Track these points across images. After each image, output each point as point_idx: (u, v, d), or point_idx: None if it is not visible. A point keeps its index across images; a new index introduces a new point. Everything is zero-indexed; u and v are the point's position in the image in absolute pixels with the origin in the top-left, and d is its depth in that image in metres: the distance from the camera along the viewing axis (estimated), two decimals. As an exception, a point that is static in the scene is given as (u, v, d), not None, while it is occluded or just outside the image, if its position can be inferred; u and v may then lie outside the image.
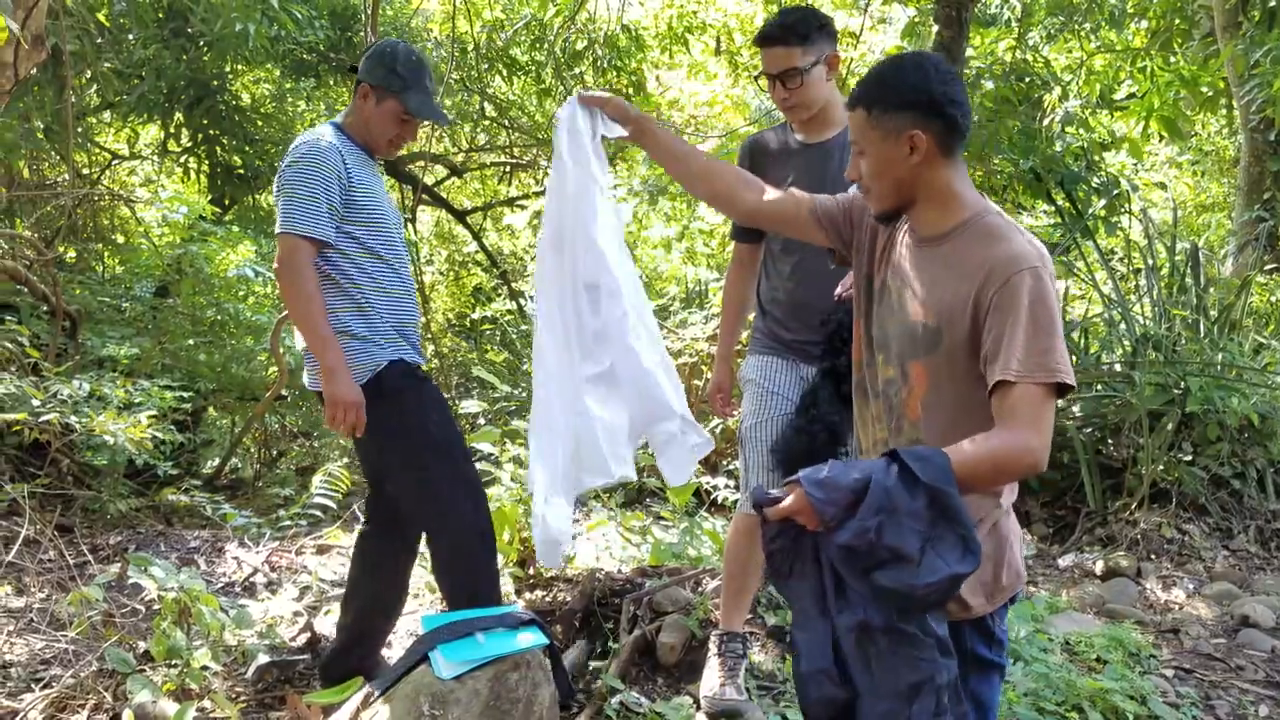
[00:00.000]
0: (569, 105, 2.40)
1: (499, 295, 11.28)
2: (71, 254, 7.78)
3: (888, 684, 1.69)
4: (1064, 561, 4.92)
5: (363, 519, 3.29)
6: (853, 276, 2.10)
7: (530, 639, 2.62)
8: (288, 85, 9.14)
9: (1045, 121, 6.91)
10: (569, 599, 3.68)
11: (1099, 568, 4.75)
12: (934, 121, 1.82)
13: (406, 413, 2.88)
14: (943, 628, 1.72)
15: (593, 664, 3.38)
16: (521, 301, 10.39)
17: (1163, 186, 11.48)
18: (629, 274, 2.49)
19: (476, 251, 12.10)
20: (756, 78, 3.14)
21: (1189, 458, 5.23)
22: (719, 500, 5.32)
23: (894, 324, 1.91)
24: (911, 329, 1.87)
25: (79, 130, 7.61)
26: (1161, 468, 5.13)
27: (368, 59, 2.94)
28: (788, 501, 1.66)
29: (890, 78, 1.85)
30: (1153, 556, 4.85)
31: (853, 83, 8.20)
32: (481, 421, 7.21)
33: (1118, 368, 5.91)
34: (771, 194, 2.17)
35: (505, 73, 9.98)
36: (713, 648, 3.20)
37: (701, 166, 2.23)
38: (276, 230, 2.81)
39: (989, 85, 6.86)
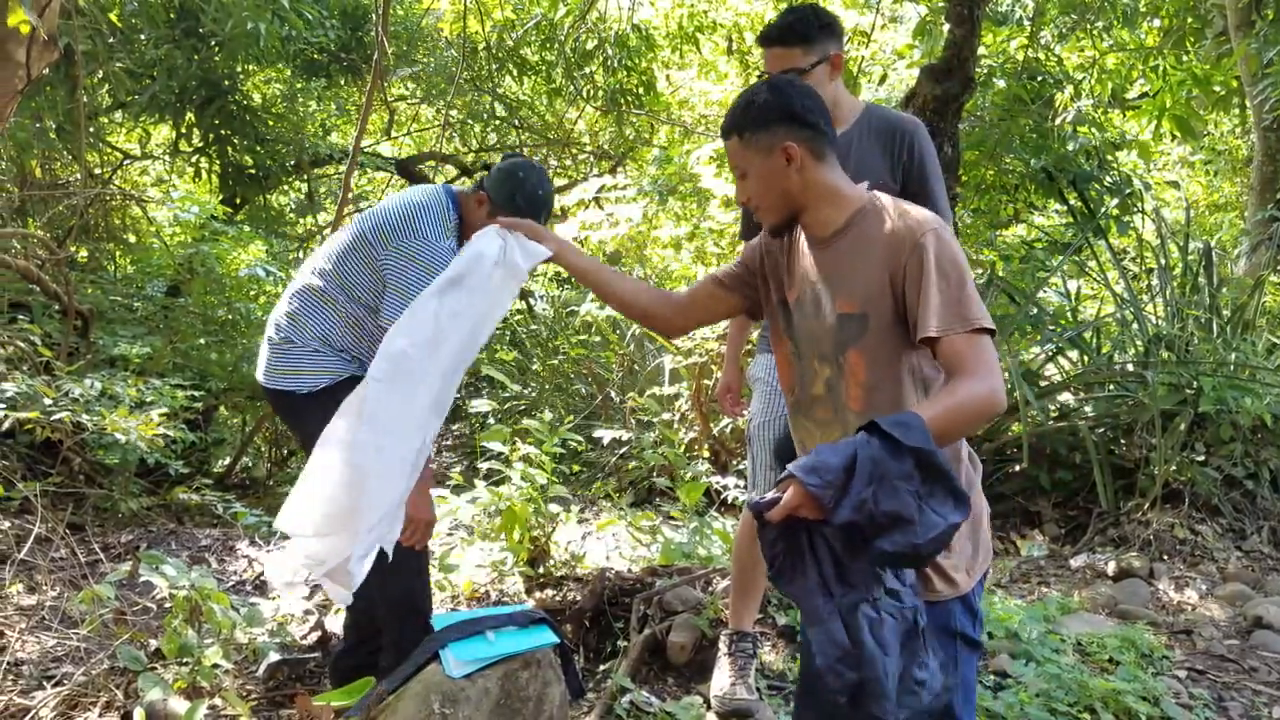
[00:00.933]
0: (496, 236, 2.41)
1: (509, 295, 11.27)
2: (83, 253, 7.81)
3: (890, 642, 1.73)
4: (1076, 562, 4.90)
5: None
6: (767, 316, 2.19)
7: (540, 638, 2.62)
8: (299, 85, 9.16)
9: (1058, 121, 6.88)
10: (579, 598, 3.68)
11: (1111, 568, 4.73)
12: (801, 131, 1.96)
13: None
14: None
15: (603, 664, 3.38)
16: (531, 301, 10.40)
17: (1175, 185, 11.43)
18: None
19: (486, 251, 12.09)
20: (760, 77, 3.10)
21: (1202, 458, 5.20)
22: (729, 499, 5.32)
23: (819, 326, 2.00)
24: (839, 322, 1.96)
25: (91, 130, 7.63)
26: (1174, 468, 5.10)
27: (499, 169, 2.94)
28: (787, 497, 1.67)
29: (751, 103, 1.98)
30: (1165, 557, 4.83)
31: (864, 82, 8.20)
32: (491, 420, 7.22)
33: (1130, 368, 5.89)
34: (682, 299, 2.29)
35: (515, 72, 9.98)
36: (723, 647, 3.19)
37: (616, 290, 2.31)
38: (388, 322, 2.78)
39: (1001, 84, 6.83)
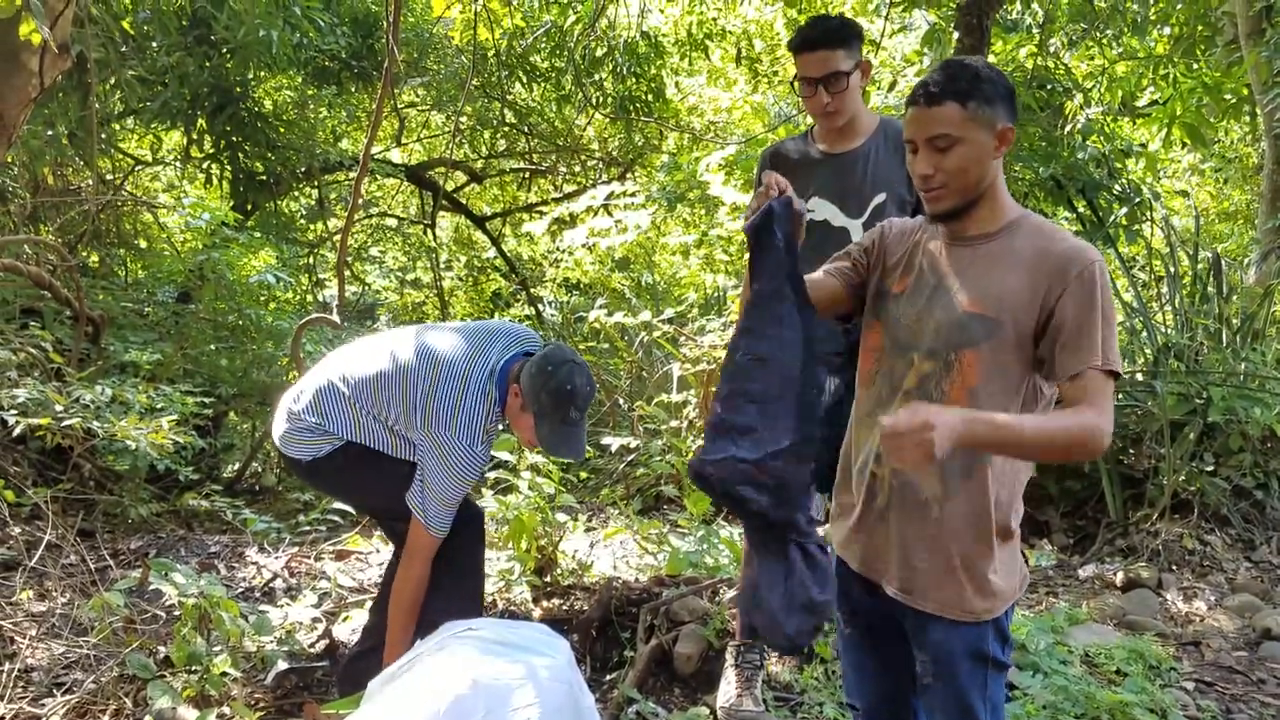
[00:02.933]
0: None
1: (518, 300, 11.31)
2: (95, 259, 7.85)
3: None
4: (1084, 572, 4.88)
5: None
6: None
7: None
8: (310, 92, 9.19)
9: (1067, 129, 6.88)
10: (586, 608, 3.69)
11: (1120, 579, 4.72)
12: (1013, 119, 1.90)
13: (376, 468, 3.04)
14: None
15: (609, 674, 3.38)
16: (540, 307, 10.42)
17: (1185, 194, 11.40)
18: None
19: (495, 257, 12.14)
20: (792, 82, 3.09)
21: (1211, 468, 5.19)
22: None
23: (932, 320, 1.94)
24: (959, 321, 1.90)
25: (103, 136, 7.67)
26: (1183, 478, 5.09)
27: (533, 362, 2.97)
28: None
29: (979, 71, 1.88)
30: (1174, 567, 4.82)
31: (873, 90, 8.19)
32: (500, 427, 7.23)
33: (1139, 377, 5.87)
34: (817, 290, 2.12)
35: (525, 79, 10.00)
36: (730, 658, 3.20)
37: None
38: (417, 512, 2.93)
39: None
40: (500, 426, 3.10)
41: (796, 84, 3.00)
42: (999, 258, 1.91)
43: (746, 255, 2.11)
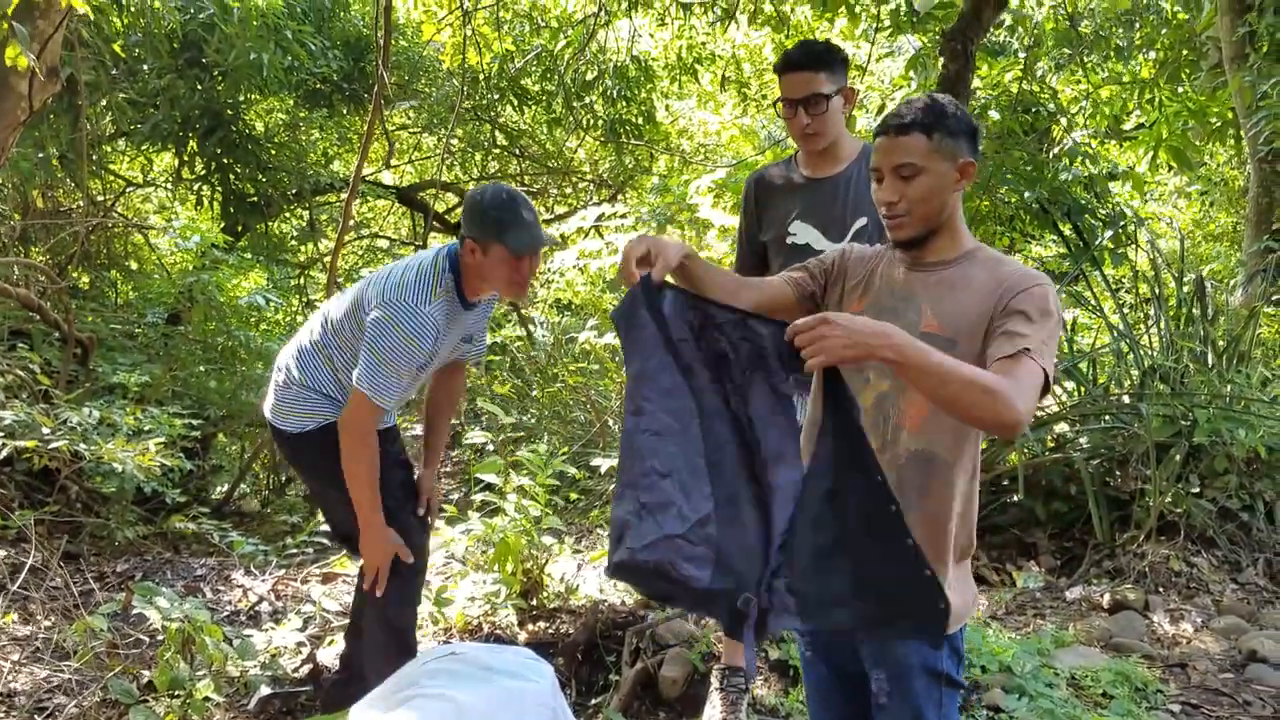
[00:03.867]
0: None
1: (508, 321, 11.31)
2: (85, 281, 7.84)
3: None
4: (1071, 594, 4.89)
5: None
6: None
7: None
8: (301, 115, 9.23)
9: (1052, 153, 6.93)
10: (572, 631, 3.68)
11: (1106, 600, 4.72)
12: (975, 156, 1.97)
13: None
14: None
15: (595, 697, 3.37)
16: (531, 327, 10.43)
17: (1170, 222, 11.47)
18: None
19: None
20: (775, 104, 3.13)
21: (1197, 490, 5.20)
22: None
23: None
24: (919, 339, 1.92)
25: (93, 158, 7.69)
26: (1169, 500, 5.10)
27: (465, 214, 2.93)
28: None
29: (944, 108, 1.94)
30: (1160, 589, 4.82)
31: (859, 115, 8.25)
32: (489, 448, 7.22)
33: (1125, 399, 5.89)
34: (756, 292, 2.15)
35: (516, 102, 10.06)
36: (715, 682, 3.19)
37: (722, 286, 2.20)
38: (357, 382, 2.84)
39: (995, 116, 6.88)
40: (461, 307, 2.99)
41: (778, 106, 3.04)
42: (955, 283, 1.96)
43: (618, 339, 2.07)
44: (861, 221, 3.02)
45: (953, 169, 1.93)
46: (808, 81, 2.95)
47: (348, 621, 3.30)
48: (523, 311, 11.12)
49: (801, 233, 3.05)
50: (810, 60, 2.97)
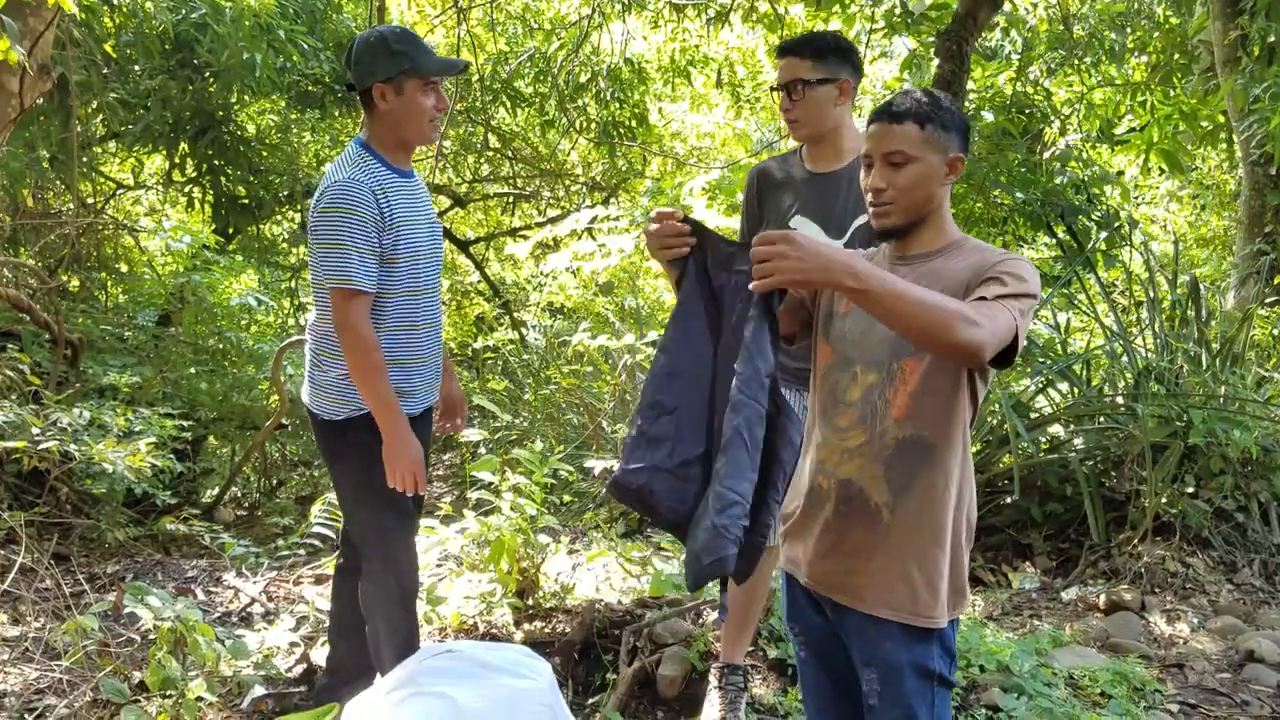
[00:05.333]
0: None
1: (501, 324, 11.29)
2: (75, 282, 7.80)
3: None
4: (1067, 595, 4.88)
5: (339, 554, 3.28)
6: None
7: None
8: (293, 116, 9.18)
9: (1046, 154, 6.94)
10: (568, 630, 3.66)
11: (1102, 601, 4.71)
12: (965, 152, 1.99)
13: (367, 464, 2.86)
14: None
15: (592, 696, 3.35)
16: (524, 330, 10.41)
17: (1164, 225, 11.50)
18: None
19: (479, 281, 12.13)
20: (774, 90, 3.14)
21: (1192, 490, 5.20)
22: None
23: (876, 333, 1.97)
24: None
25: (84, 159, 7.64)
26: (1165, 500, 5.10)
27: (361, 63, 2.78)
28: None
29: (939, 100, 1.97)
30: (1156, 590, 4.82)
31: (855, 114, 8.25)
32: (482, 450, 7.20)
33: (1120, 400, 5.89)
34: None
35: (509, 104, 10.04)
36: (713, 680, 3.17)
37: None
38: (328, 282, 2.72)
39: (989, 117, 6.89)
40: (394, 188, 2.82)
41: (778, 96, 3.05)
42: (938, 272, 1.96)
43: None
44: (861, 219, 3.00)
45: (942, 162, 1.95)
46: (792, 67, 2.96)
47: (329, 625, 3.27)
48: (515, 314, 11.11)
49: (801, 227, 3.03)
50: (797, 47, 2.99)
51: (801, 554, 2.10)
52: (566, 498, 6.39)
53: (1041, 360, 6.21)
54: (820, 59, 2.94)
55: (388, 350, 2.83)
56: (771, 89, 3.07)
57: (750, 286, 1.77)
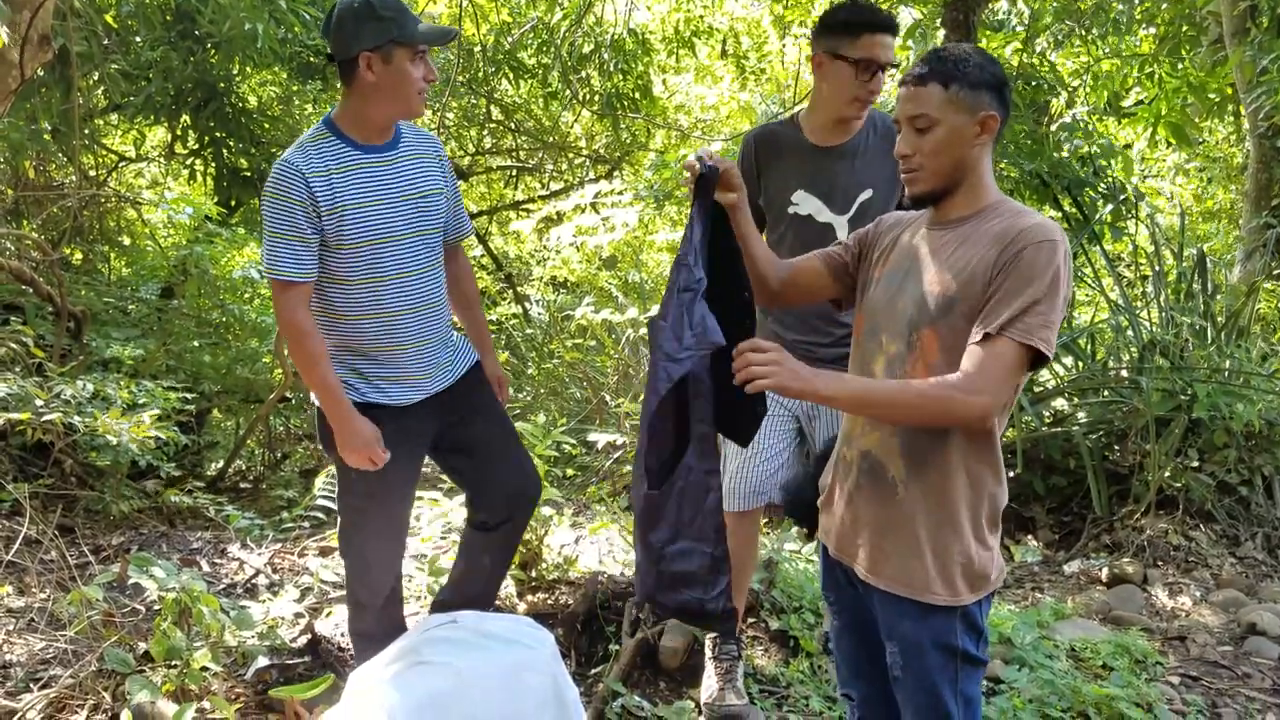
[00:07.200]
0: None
1: (504, 299, 11.28)
2: (78, 255, 7.79)
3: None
4: (1070, 568, 4.89)
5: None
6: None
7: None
8: (294, 88, 9.13)
9: (1053, 126, 6.89)
10: (571, 602, 3.67)
11: (1105, 574, 4.72)
12: (1001, 109, 1.90)
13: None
14: None
15: (594, 668, 3.36)
16: (527, 305, 10.39)
17: (1168, 198, 11.43)
18: None
19: (482, 255, 12.10)
20: (857, 61, 2.84)
21: (1196, 464, 5.20)
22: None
23: (901, 301, 1.95)
24: (923, 298, 1.91)
25: (86, 132, 7.61)
26: (1168, 474, 5.10)
27: (344, 29, 2.56)
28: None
29: (967, 58, 1.89)
30: (1159, 563, 4.83)
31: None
32: (352, 166, 7.15)
33: (1125, 374, 5.88)
34: (786, 272, 2.23)
35: (512, 76, 9.98)
36: (708, 650, 3.19)
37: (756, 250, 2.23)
38: (267, 264, 2.63)
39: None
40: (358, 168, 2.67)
41: (850, 65, 2.84)
42: (969, 238, 1.91)
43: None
44: (867, 194, 2.97)
45: (971, 122, 1.87)
46: (891, 46, 2.86)
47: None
48: (518, 288, 11.09)
49: (804, 203, 3.00)
50: (891, 25, 2.89)
51: (832, 525, 2.11)
52: (570, 471, 6.40)
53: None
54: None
55: (352, 337, 2.75)
56: (856, 63, 2.83)
57: (746, 388, 1.82)
